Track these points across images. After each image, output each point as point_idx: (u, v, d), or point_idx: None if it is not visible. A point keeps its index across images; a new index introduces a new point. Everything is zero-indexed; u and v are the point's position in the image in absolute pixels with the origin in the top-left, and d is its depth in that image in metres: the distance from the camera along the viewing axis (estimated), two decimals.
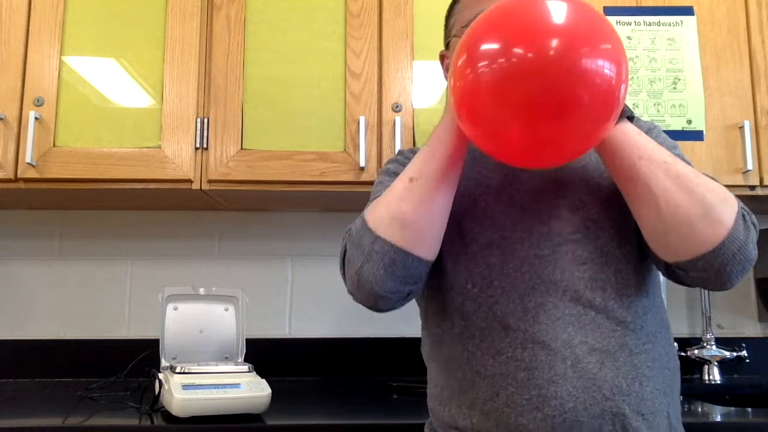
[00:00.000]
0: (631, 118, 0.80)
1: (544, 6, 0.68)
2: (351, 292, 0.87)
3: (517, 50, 0.66)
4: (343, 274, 0.88)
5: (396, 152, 1.04)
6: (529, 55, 0.66)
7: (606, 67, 0.67)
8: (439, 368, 0.91)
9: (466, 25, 0.86)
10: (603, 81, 0.67)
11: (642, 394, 0.81)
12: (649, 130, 0.92)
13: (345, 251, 0.87)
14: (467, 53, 0.70)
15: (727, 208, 0.76)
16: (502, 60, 0.67)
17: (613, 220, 0.87)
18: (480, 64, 0.68)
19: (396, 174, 0.92)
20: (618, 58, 0.68)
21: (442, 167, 0.81)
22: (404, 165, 0.93)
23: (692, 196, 0.75)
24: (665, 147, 0.87)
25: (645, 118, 1.48)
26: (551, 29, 0.67)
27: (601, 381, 0.80)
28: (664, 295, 1.00)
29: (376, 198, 0.92)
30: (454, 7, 0.98)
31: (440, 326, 0.91)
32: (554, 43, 0.66)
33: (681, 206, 0.75)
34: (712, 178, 0.80)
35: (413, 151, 1.00)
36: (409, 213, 0.80)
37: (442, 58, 0.99)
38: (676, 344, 0.93)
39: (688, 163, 0.87)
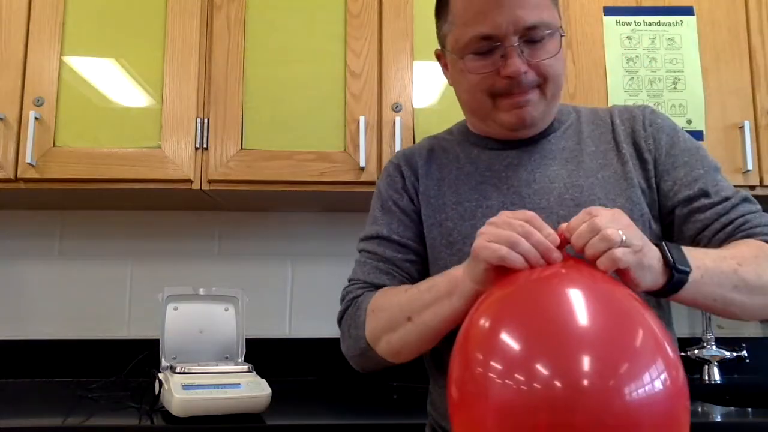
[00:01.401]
0: (684, 272, 0.70)
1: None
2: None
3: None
4: (341, 331, 0.92)
5: (393, 155, 1.03)
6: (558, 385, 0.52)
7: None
8: (439, 370, 0.91)
9: (464, 47, 0.84)
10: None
11: None
12: (674, 131, 0.90)
13: (342, 317, 0.92)
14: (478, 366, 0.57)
15: None
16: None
17: None
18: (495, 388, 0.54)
19: (390, 201, 0.94)
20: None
21: (441, 326, 0.78)
22: (394, 188, 0.95)
23: (765, 295, 0.76)
24: (691, 150, 0.88)
25: None
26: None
27: None
28: None
29: (372, 224, 0.95)
30: (442, 11, 0.90)
31: None
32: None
33: (758, 307, 0.76)
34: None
35: (407, 159, 0.97)
36: (398, 346, 0.83)
37: (439, 56, 0.99)
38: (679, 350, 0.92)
39: (719, 167, 0.88)
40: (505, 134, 0.91)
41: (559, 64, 0.85)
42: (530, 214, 0.68)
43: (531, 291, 0.61)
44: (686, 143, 0.89)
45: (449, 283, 0.76)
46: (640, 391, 0.51)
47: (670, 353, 0.55)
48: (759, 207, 0.86)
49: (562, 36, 0.85)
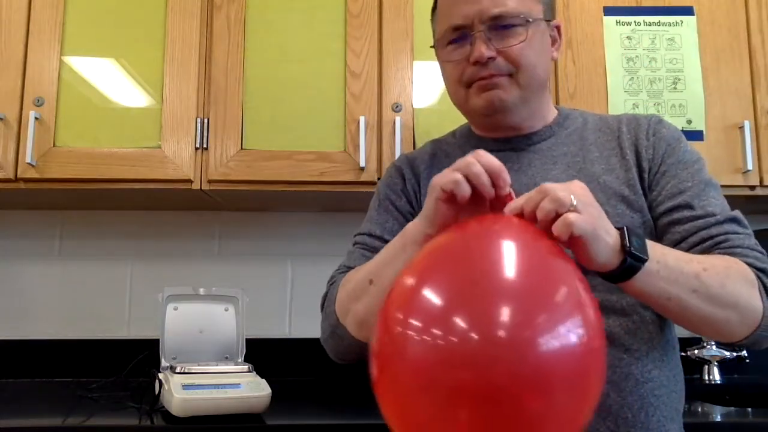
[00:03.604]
0: (640, 259, 0.67)
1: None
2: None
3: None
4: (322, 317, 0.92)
5: (396, 157, 1.04)
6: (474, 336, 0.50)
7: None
8: None
9: (441, 39, 0.89)
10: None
11: (648, 424, 0.80)
12: (675, 141, 0.88)
13: (323, 302, 0.93)
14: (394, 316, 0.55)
15: (754, 293, 0.74)
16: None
17: None
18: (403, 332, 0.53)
19: (387, 200, 0.96)
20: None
21: None
22: (393, 189, 0.96)
23: (726, 308, 0.72)
24: (686, 163, 0.85)
25: None
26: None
27: (606, 412, 0.79)
28: None
29: (367, 222, 0.97)
30: (434, 10, 0.95)
31: None
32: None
33: (717, 320, 0.72)
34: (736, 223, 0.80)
35: (410, 162, 0.98)
36: (362, 313, 0.80)
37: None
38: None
39: (713, 184, 0.85)
40: (484, 123, 0.92)
41: (531, 53, 0.86)
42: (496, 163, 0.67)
43: (457, 245, 0.59)
44: (684, 155, 0.87)
45: (403, 235, 0.75)
46: (554, 343, 0.50)
47: (591, 313, 0.54)
48: (748, 230, 0.82)
49: (533, 24, 0.86)
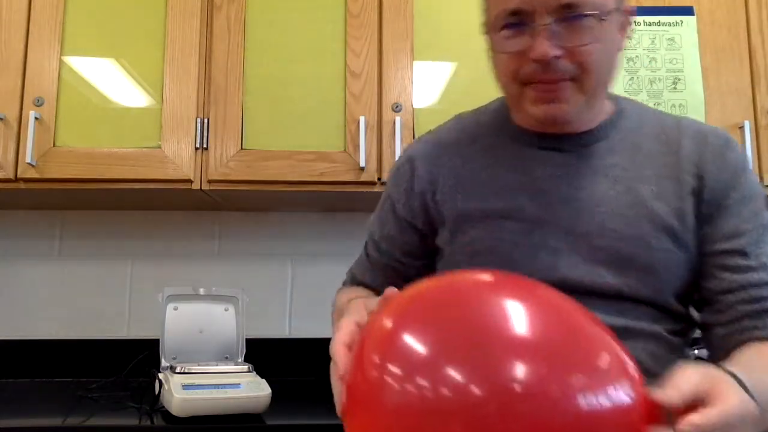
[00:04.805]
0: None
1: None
2: None
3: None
4: None
5: (402, 152, 0.95)
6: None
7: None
8: None
9: (494, 22, 0.74)
10: None
11: None
12: (741, 172, 0.78)
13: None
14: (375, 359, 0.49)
15: None
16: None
17: (651, 294, 0.75)
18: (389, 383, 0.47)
19: (389, 200, 0.89)
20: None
21: None
22: (398, 185, 0.87)
23: None
24: (749, 199, 0.77)
25: None
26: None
27: None
28: None
29: (374, 216, 0.94)
30: None
31: None
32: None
33: None
34: None
35: (425, 151, 0.87)
36: None
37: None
38: None
39: (765, 226, 0.76)
40: (537, 127, 0.80)
41: (603, 54, 0.72)
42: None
43: (452, 293, 0.52)
44: (746, 190, 0.78)
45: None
46: (599, 399, 0.43)
47: (635, 375, 0.47)
48: None
49: (608, 17, 0.72)
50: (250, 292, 1.54)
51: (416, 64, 1.49)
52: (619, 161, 0.78)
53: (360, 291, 0.93)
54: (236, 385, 1.21)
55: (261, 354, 1.48)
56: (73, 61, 1.46)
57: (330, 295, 1.83)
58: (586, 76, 0.72)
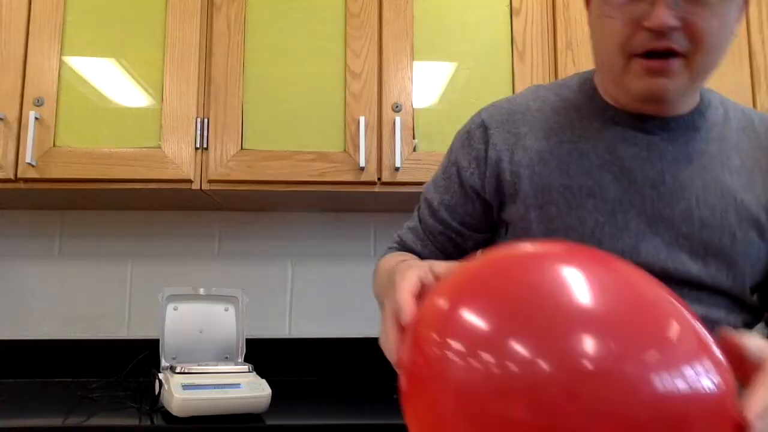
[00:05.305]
0: None
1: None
2: None
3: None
4: None
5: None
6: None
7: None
8: None
9: None
10: None
11: None
12: None
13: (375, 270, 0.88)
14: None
15: None
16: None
17: (730, 285, 0.74)
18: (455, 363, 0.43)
19: (455, 167, 0.83)
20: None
21: None
22: (467, 153, 0.82)
23: None
24: None
25: None
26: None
27: None
28: None
29: (434, 181, 0.88)
30: None
31: None
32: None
33: None
34: None
35: (502, 118, 0.82)
36: None
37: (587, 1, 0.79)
38: None
39: None
40: (634, 105, 0.76)
41: (722, 33, 0.68)
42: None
43: (511, 266, 0.48)
44: None
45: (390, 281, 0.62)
46: (681, 382, 0.39)
47: (717, 352, 0.43)
48: None
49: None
50: (250, 292, 1.54)
51: (416, 64, 1.49)
52: (707, 150, 0.75)
53: (407, 256, 0.86)
54: (236, 385, 1.21)
55: (261, 354, 1.48)
56: (73, 61, 1.46)
57: (330, 295, 1.84)
58: (698, 54, 0.68)
